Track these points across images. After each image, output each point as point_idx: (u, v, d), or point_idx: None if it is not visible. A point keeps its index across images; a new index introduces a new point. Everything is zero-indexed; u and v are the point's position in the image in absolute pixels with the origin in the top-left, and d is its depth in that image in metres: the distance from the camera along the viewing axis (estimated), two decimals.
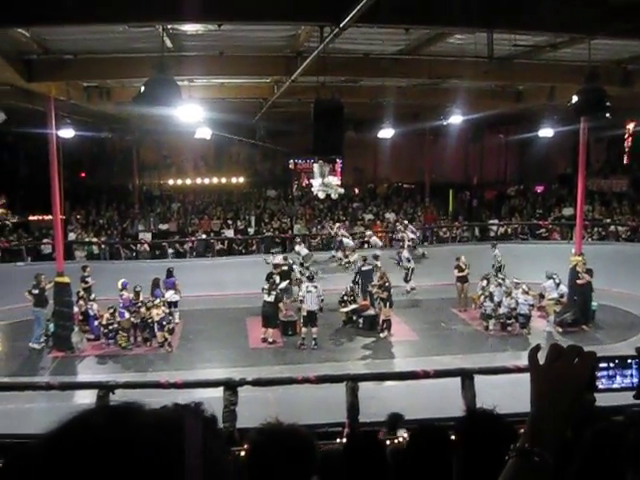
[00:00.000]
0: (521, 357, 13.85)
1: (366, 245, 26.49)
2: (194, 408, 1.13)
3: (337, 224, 28.10)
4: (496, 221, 30.39)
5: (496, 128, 32.37)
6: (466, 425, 2.55)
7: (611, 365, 1.73)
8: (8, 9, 8.78)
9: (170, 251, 26.93)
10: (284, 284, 19.89)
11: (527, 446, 1.50)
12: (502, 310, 18.90)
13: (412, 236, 26.56)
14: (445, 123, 21.77)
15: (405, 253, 23.59)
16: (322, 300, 18.31)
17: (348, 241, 25.35)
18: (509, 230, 29.53)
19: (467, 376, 8.32)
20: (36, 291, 17.98)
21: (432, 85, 18.70)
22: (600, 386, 1.72)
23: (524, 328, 18.64)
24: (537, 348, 1.65)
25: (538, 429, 1.52)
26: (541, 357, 1.61)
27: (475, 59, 13.29)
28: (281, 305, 18.69)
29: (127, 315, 18.02)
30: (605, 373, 1.72)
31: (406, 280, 22.44)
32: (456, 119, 20.37)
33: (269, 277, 20.37)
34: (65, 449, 0.99)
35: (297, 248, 24.93)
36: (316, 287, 18.22)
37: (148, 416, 1.06)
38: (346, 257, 24.30)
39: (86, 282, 19.86)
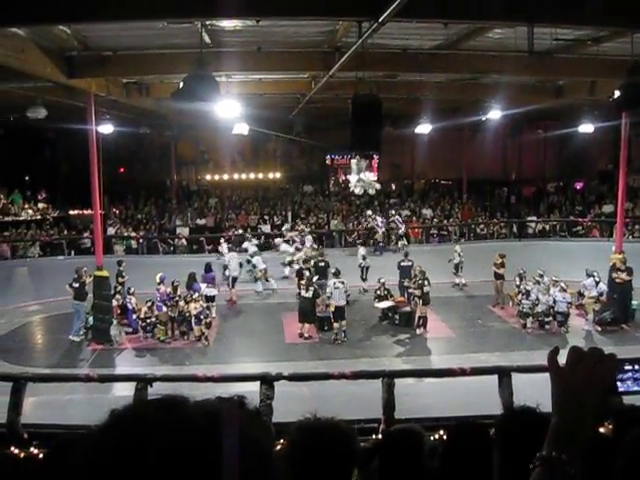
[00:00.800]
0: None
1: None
2: (237, 401, 1.13)
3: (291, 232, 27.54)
4: (534, 218, 30.04)
5: (535, 123, 31.98)
6: (507, 422, 2.52)
7: (636, 367, 1.69)
8: (48, 6, 8.90)
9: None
10: (315, 279, 19.88)
11: (554, 454, 1.46)
12: (539, 308, 18.69)
13: (381, 229, 26.38)
14: (484, 119, 21.59)
15: (362, 250, 23.31)
16: (348, 295, 18.32)
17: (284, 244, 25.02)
18: (547, 227, 29.17)
19: (504, 374, 8.20)
20: (76, 284, 18.22)
21: (471, 80, 18.53)
22: (624, 388, 1.67)
23: (562, 326, 18.42)
24: (556, 351, 1.60)
25: (563, 435, 1.48)
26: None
27: (515, 54, 13.18)
28: (318, 301, 18.69)
29: (164, 309, 18.17)
30: (630, 375, 1.68)
31: (363, 279, 22.18)
32: (495, 114, 20.18)
33: (299, 273, 20.38)
34: (120, 441, 1.00)
35: (245, 244, 24.44)
36: (343, 283, 18.25)
37: (193, 408, 1.07)
38: (291, 255, 23.59)
39: (122, 277, 20.09)
